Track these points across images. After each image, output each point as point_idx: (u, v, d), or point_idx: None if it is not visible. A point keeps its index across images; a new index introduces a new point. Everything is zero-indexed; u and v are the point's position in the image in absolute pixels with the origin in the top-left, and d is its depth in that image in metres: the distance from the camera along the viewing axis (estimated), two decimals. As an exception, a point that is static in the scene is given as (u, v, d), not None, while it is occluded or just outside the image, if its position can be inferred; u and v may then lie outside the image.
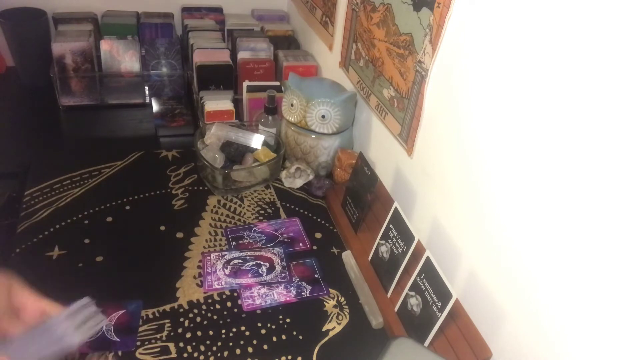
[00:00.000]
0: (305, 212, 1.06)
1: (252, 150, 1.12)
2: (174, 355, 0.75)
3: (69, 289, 0.83)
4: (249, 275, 0.88)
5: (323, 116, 1.06)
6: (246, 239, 0.97)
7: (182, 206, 1.02)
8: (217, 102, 1.21)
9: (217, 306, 0.83)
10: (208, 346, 0.77)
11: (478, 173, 0.75)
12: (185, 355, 0.75)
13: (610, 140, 0.53)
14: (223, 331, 0.79)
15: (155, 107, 1.32)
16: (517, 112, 0.65)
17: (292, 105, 1.09)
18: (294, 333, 0.80)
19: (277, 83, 1.28)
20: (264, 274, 0.89)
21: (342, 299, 0.87)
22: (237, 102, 1.25)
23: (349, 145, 1.16)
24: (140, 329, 0.78)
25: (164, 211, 1.01)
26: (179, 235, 0.95)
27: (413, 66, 0.88)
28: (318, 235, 1.00)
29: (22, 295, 0.60)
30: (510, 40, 0.65)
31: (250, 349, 0.77)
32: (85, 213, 0.97)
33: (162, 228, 0.97)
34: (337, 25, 1.22)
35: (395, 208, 0.86)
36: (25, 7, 1.36)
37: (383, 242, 0.88)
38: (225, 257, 0.92)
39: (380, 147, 1.08)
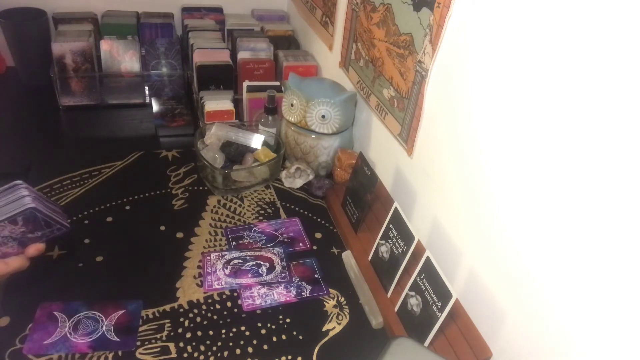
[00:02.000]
0: (305, 212, 1.06)
1: (252, 150, 1.12)
2: (174, 355, 0.75)
3: (69, 289, 0.83)
4: (249, 275, 0.88)
5: (323, 116, 1.06)
6: (246, 239, 0.97)
7: (182, 206, 1.02)
8: (217, 102, 1.21)
9: (217, 306, 0.83)
10: (208, 346, 0.77)
11: (478, 173, 0.75)
12: (185, 355, 0.75)
13: (610, 139, 0.53)
14: (223, 331, 0.79)
15: (155, 107, 1.32)
16: (517, 112, 0.65)
17: (292, 105, 1.09)
18: (294, 333, 0.80)
19: (277, 83, 1.28)
20: (264, 274, 0.89)
21: (342, 299, 0.87)
22: (237, 102, 1.25)
23: (349, 145, 1.16)
24: (140, 329, 0.78)
25: (164, 211, 1.01)
26: (179, 235, 0.95)
27: (413, 66, 0.88)
28: (318, 235, 1.00)
29: None
30: (511, 40, 0.65)
31: (250, 349, 0.77)
32: (85, 213, 0.97)
33: (162, 228, 0.97)
34: (337, 25, 1.22)
35: (395, 208, 0.86)
36: (25, 7, 1.36)
37: (383, 242, 0.88)
38: (225, 257, 0.92)
39: (380, 147, 1.08)
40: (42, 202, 0.73)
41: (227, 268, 0.89)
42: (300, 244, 0.97)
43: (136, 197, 1.03)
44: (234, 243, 0.95)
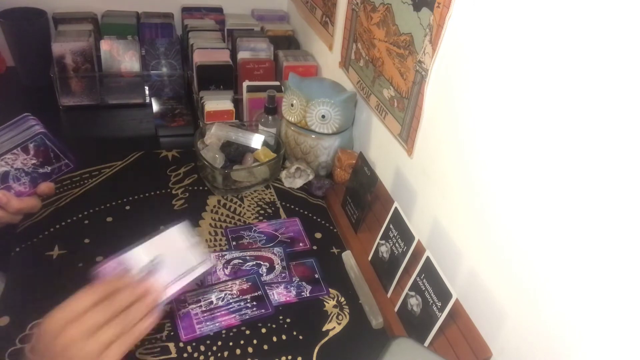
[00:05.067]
0: (305, 212, 1.06)
1: (252, 150, 1.12)
2: (174, 355, 0.75)
3: (69, 289, 0.83)
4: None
5: (323, 116, 1.06)
6: (246, 239, 0.97)
7: (182, 206, 1.02)
8: (217, 102, 1.21)
9: (217, 306, 0.83)
10: (208, 346, 0.77)
11: (478, 173, 0.75)
12: (185, 355, 0.75)
13: (609, 138, 0.53)
14: (223, 331, 0.79)
15: (155, 107, 1.32)
16: (517, 111, 0.65)
17: (292, 105, 1.09)
18: (294, 333, 0.80)
19: (277, 83, 1.28)
20: (264, 274, 0.89)
21: (342, 299, 0.87)
22: (237, 102, 1.25)
23: (349, 145, 1.16)
24: (140, 329, 0.78)
25: (164, 211, 1.00)
26: (179, 235, 0.95)
27: (413, 66, 0.88)
28: (318, 235, 1.00)
29: None
30: (511, 40, 0.65)
31: (250, 349, 0.77)
32: (85, 213, 0.97)
33: (162, 228, 0.96)
34: (337, 25, 1.22)
35: (395, 208, 0.86)
36: (25, 7, 1.36)
37: (383, 242, 0.88)
38: (225, 257, 0.92)
39: (380, 147, 1.08)
40: (50, 133, 0.75)
41: (227, 268, 0.89)
42: (300, 244, 0.97)
43: (136, 197, 1.03)
44: (234, 243, 0.95)
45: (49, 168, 0.74)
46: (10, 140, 0.72)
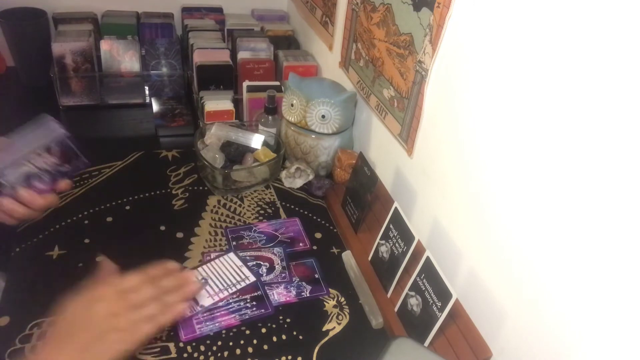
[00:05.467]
0: (305, 212, 1.05)
1: (252, 150, 1.12)
2: (174, 355, 0.75)
3: (69, 289, 0.83)
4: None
5: (323, 116, 1.06)
6: (246, 239, 0.97)
7: (182, 206, 1.02)
8: (217, 102, 1.21)
9: (217, 306, 0.83)
10: (208, 346, 0.77)
11: (478, 173, 0.75)
12: (185, 355, 0.75)
13: (610, 138, 0.53)
14: (223, 331, 0.79)
15: (155, 107, 1.32)
16: (517, 111, 0.65)
17: (292, 105, 1.09)
18: (294, 333, 0.80)
19: (277, 83, 1.28)
20: (264, 274, 0.89)
21: (342, 299, 0.87)
22: (237, 102, 1.25)
23: (349, 145, 1.16)
24: (140, 329, 0.77)
25: (164, 211, 1.00)
26: (179, 235, 0.95)
27: (413, 66, 0.88)
28: (318, 235, 1.00)
29: None
30: (511, 40, 0.65)
31: (250, 349, 0.77)
32: (85, 213, 0.97)
33: (162, 228, 0.97)
34: (337, 25, 1.22)
35: (395, 208, 0.86)
36: (25, 7, 1.36)
37: (383, 242, 0.88)
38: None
39: (380, 147, 1.08)
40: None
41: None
42: (300, 244, 0.97)
43: (136, 197, 1.03)
44: (234, 243, 0.95)
45: (68, 166, 0.78)
46: (34, 141, 0.74)
